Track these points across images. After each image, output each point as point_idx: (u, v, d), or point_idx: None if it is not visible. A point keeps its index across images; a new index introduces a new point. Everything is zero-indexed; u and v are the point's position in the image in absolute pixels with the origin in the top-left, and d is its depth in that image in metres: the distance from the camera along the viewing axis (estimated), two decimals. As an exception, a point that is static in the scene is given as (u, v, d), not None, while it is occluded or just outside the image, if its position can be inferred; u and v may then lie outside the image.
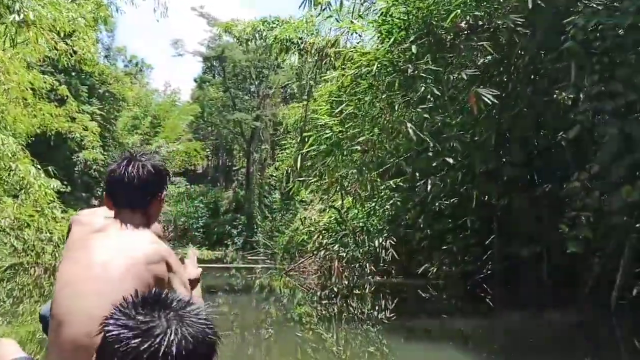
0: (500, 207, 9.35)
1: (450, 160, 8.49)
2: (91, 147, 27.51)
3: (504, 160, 9.16)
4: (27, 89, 16.85)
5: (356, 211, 12.24)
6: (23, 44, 14.62)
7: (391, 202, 11.63)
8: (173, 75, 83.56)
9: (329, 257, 12.25)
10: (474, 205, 9.05)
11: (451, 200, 10.01)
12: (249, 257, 27.79)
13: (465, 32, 7.61)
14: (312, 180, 8.24)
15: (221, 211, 39.17)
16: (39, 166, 12.88)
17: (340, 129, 7.70)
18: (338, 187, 8.32)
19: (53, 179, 14.02)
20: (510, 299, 9.09)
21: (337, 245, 11.44)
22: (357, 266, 11.26)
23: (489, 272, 9.50)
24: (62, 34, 12.95)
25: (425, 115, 7.48)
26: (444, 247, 10.46)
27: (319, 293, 11.08)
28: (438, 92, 7.14)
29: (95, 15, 22.93)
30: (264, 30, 14.42)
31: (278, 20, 14.32)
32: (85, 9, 18.02)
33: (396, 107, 7.54)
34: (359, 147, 7.61)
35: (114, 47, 37.71)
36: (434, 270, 10.59)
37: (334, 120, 7.73)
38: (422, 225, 10.62)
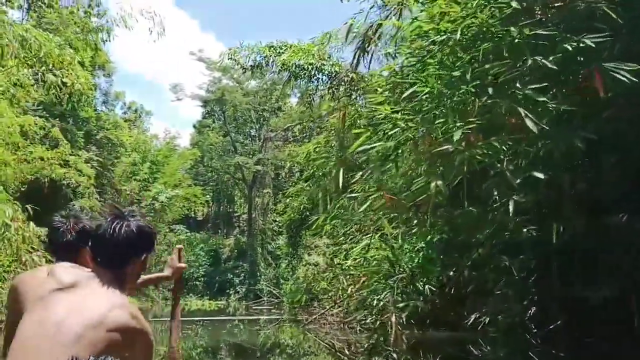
0: (563, 239, 7.20)
1: (540, 175, 5.82)
2: (87, 195, 26.41)
3: (589, 177, 7.00)
4: (15, 133, 15.84)
5: (407, 246, 9.90)
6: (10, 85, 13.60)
7: (452, 231, 8.82)
8: (172, 120, 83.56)
9: (383, 309, 9.45)
10: (554, 238, 6.80)
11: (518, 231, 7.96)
12: (254, 307, 26.09)
13: (556, 5, 6.13)
14: (371, 196, 6.39)
15: (223, 259, 37.70)
16: (17, 204, 11.51)
17: (409, 122, 5.92)
18: (397, 208, 6.54)
19: (38, 227, 12.67)
20: (587, 355, 7.34)
21: (391, 294, 8.94)
22: (412, 320, 8.86)
23: (555, 320, 7.73)
24: (50, 65, 11.99)
25: (541, 99, 5.31)
26: (498, 292, 8.36)
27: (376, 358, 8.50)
28: (553, 65, 5.27)
29: (92, 57, 22.12)
30: (270, 55, 13.36)
31: (285, 45, 13.30)
32: (80, 50, 17.15)
33: (489, 90, 5.59)
34: (438, 147, 5.57)
35: (112, 92, 36.94)
36: (487, 321, 8.37)
37: (400, 110, 6.08)
38: (502, 261, 7.96)
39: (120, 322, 2.01)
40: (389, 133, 6.18)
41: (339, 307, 11.80)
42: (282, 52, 13.03)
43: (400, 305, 8.80)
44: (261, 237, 37.88)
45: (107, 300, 2.06)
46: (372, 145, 6.42)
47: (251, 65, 13.63)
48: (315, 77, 12.70)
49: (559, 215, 6.93)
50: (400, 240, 9.76)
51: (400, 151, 6.20)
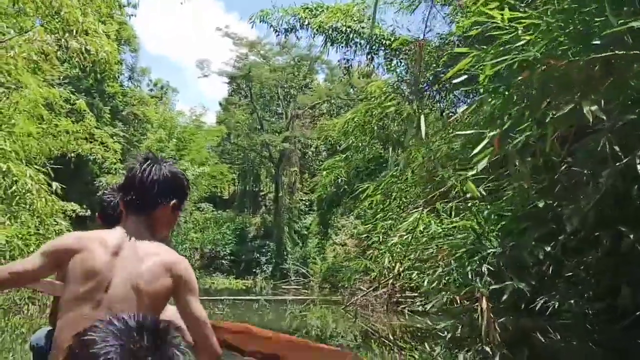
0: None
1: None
2: (114, 171, 26.22)
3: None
4: (39, 105, 15.44)
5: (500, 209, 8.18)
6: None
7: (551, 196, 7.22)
8: (197, 102, 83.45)
9: (469, 291, 7.90)
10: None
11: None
12: (283, 287, 25.57)
13: None
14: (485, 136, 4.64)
15: (249, 238, 37.34)
16: (37, 167, 10.98)
17: (537, 33, 3.87)
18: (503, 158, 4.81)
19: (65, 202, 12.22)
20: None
21: (482, 276, 7.38)
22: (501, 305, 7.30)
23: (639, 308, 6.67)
24: (74, 32, 11.43)
25: None
26: (568, 275, 7.28)
27: (463, 355, 7.18)
28: None
29: (118, 31, 21.46)
30: (305, 18, 12.47)
31: (322, 6, 12.40)
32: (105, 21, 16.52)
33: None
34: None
35: (137, 68, 36.49)
36: (555, 306, 7.21)
37: (523, 17, 4.03)
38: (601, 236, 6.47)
39: (163, 267, 2.08)
40: (508, 48, 4.44)
41: (384, 287, 11.05)
42: (319, 14, 12.17)
43: (492, 287, 7.61)
44: (288, 216, 37.38)
45: (146, 254, 2.09)
46: (482, 64, 4.62)
47: (285, 29, 12.75)
48: (353, 42, 11.83)
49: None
50: (487, 208, 8.61)
51: (518, 78, 4.67)
